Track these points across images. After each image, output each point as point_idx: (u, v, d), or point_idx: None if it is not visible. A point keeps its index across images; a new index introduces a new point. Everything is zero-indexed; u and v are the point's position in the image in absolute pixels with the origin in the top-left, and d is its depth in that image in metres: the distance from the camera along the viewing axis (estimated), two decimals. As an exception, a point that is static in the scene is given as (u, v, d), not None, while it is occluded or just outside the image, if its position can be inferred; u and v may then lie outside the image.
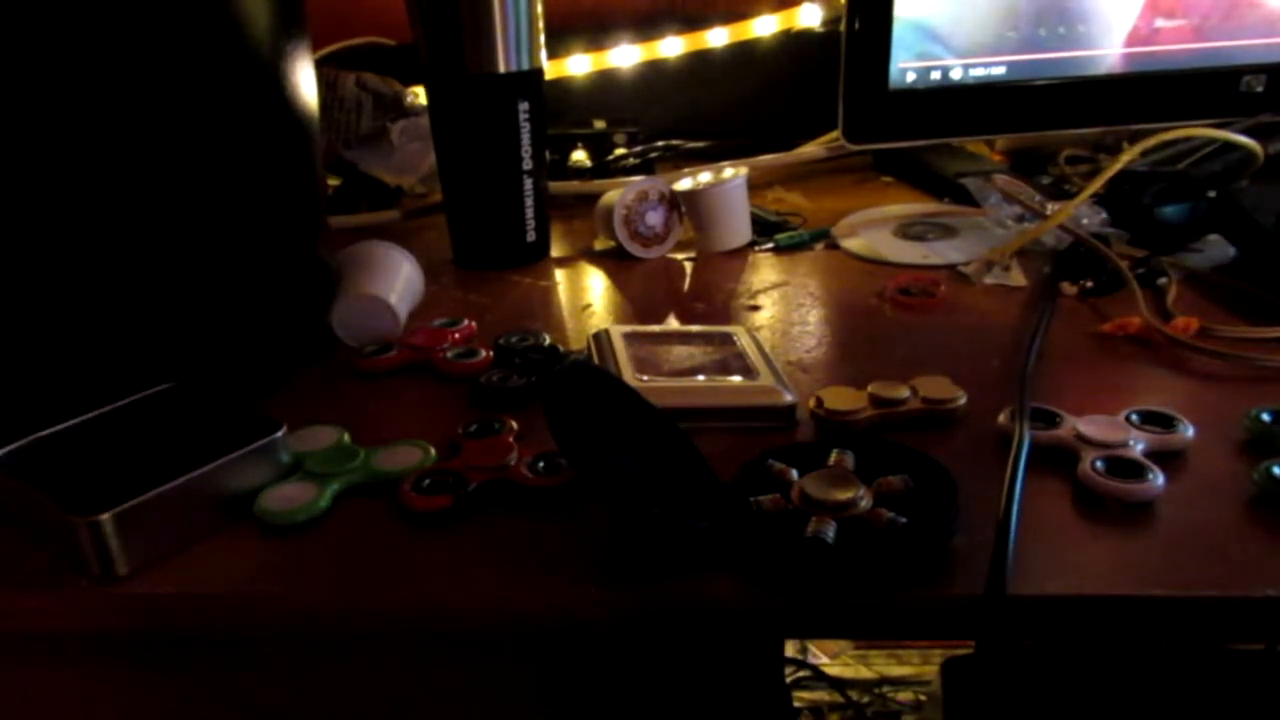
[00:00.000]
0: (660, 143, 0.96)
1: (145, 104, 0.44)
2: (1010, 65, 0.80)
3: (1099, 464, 0.41)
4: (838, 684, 1.21)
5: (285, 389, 0.53)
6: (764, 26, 1.01)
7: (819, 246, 0.75)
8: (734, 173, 0.75)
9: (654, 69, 1.01)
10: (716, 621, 0.37)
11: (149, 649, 0.41)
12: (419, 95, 0.87)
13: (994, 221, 0.74)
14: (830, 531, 0.36)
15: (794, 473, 0.40)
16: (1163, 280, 0.61)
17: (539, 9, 0.67)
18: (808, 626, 0.38)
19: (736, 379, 0.49)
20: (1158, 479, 0.39)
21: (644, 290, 0.68)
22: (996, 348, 0.55)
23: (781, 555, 0.36)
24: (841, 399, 0.46)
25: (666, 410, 0.43)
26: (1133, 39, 0.79)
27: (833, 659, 1.25)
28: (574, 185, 0.88)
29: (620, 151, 0.94)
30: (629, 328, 0.55)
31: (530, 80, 0.68)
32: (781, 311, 0.62)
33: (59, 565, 0.38)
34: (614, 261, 0.73)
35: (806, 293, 0.66)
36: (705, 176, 0.75)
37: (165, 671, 0.41)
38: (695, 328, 0.58)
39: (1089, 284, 0.62)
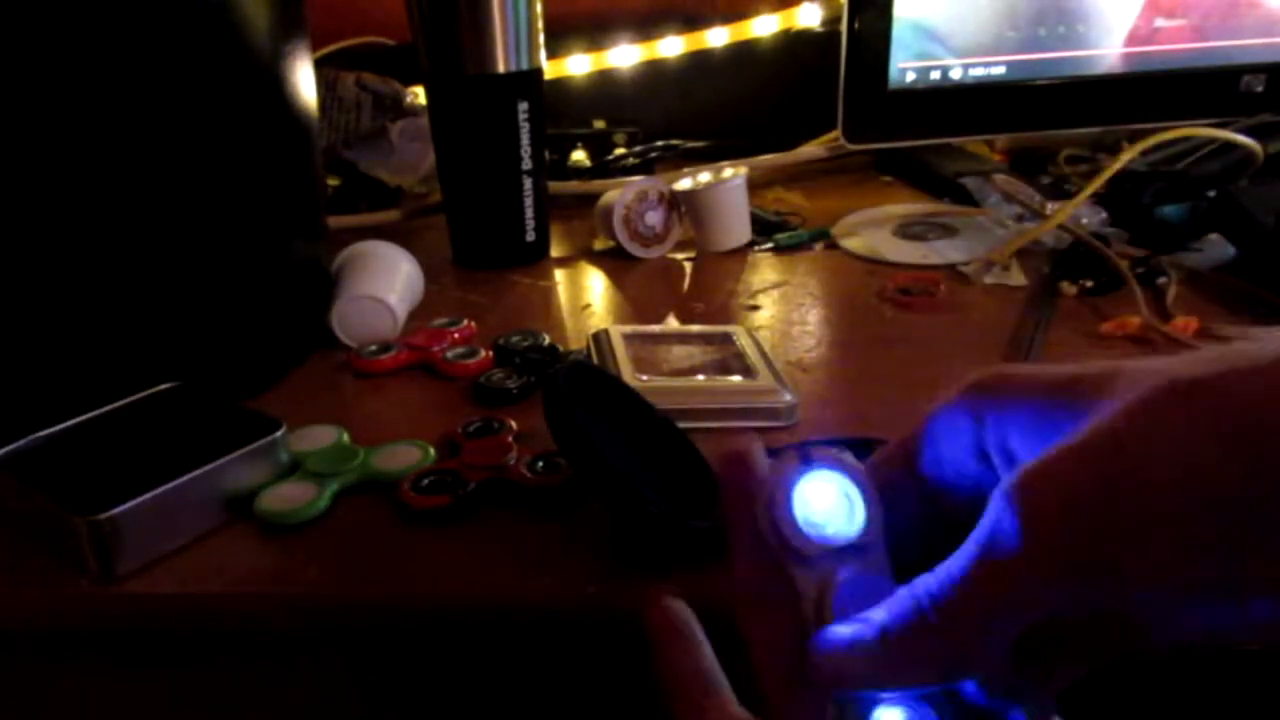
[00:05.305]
0: (660, 143, 0.96)
1: (145, 104, 0.44)
2: (1010, 65, 0.80)
3: (1099, 464, 0.40)
4: (838, 684, 1.21)
5: (284, 389, 0.53)
6: (764, 26, 1.01)
7: (819, 246, 0.75)
8: (734, 173, 0.75)
9: (654, 69, 1.01)
10: (716, 621, 0.37)
11: (149, 649, 0.41)
12: (419, 95, 0.87)
13: (994, 221, 0.74)
14: (830, 531, 0.36)
15: (794, 472, 0.40)
16: (1163, 280, 0.61)
17: (538, 9, 0.67)
18: (807, 626, 0.38)
19: (736, 379, 0.49)
20: (1157, 479, 0.39)
21: (644, 290, 0.68)
22: (996, 348, 0.55)
23: (781, 555, 0.36)
24: None
25: (666, 410, 0.43)
26: (1133, 39, 0.79)
27: (833, 659, 1.25)
28: (574, 185, 0.88)
29: (620, 151, 0.94)
30: (629, 328, 0.55)
31: (530, 80, 0.68)
32: (781, 311, 0.62)
33: (59, 565, 0.38)
34: (614, 261, 0.73)
35: (806, 293, 0.66)
36: (705, 176, 0.75)
37: (165, 671, 0.41)
38: (695, 328, 0.58)
39: (1089, 284, 0.62)
